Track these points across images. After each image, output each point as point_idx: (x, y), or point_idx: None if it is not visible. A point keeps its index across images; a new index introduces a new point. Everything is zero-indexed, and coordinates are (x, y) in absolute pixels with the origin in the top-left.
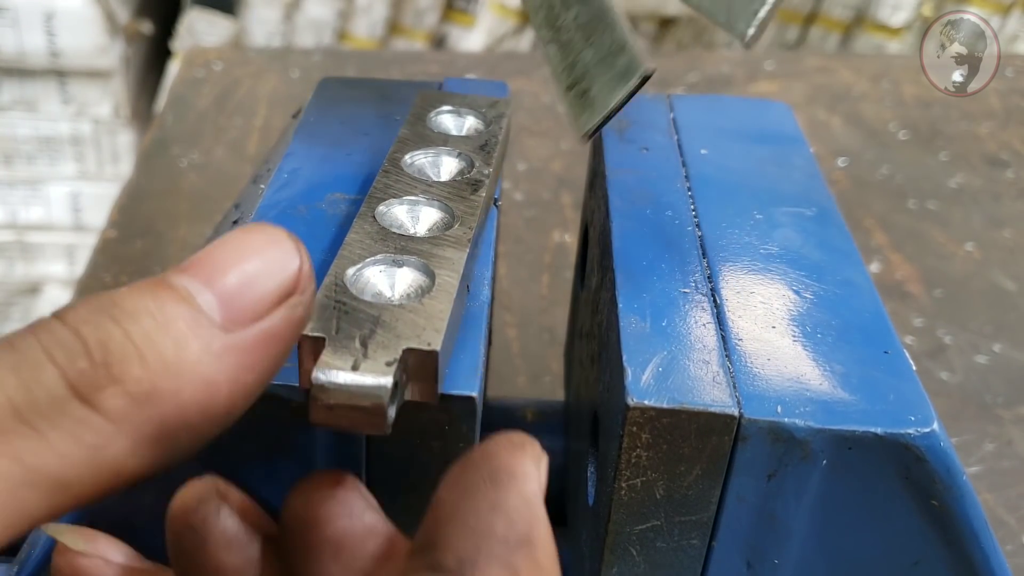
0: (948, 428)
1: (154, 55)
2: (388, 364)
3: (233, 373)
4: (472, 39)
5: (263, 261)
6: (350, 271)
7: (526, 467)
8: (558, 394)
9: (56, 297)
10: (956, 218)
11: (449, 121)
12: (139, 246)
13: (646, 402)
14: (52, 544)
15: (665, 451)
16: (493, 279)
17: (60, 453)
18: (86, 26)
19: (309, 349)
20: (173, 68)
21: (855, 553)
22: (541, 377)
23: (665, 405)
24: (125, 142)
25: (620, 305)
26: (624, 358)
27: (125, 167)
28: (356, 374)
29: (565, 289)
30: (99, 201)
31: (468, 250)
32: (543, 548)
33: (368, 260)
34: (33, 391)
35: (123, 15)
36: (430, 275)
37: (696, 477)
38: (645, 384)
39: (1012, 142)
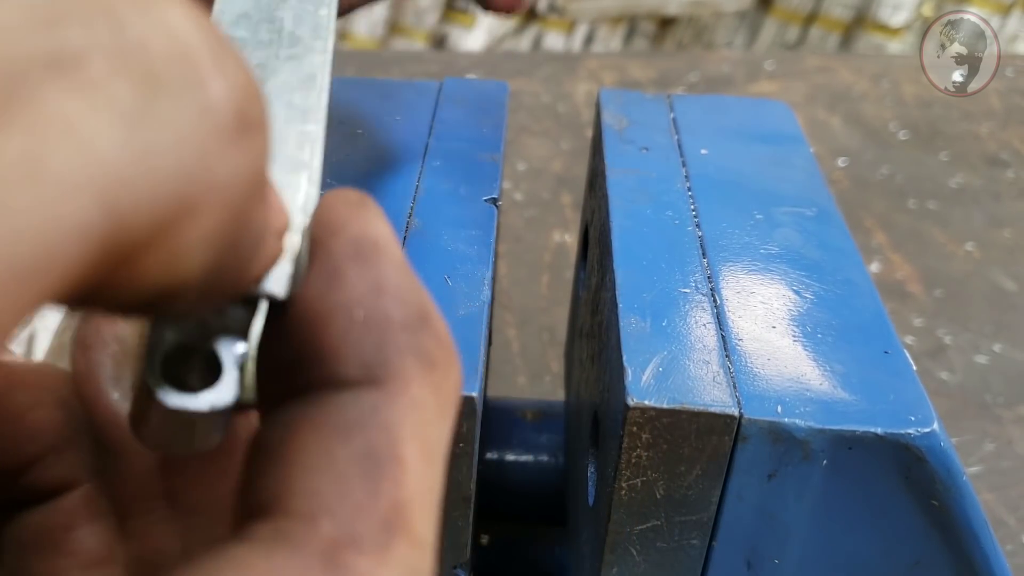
0: (948, 428)
1: None
2: None
3: None
4: (472, 39)
5: None
6: None
7: (381, 228)
8: (558, 394)
9: None
10: (956, 218)
11: None
12: None
13: (646, 402)
14: None
15: (665, 451)
16: (493, 279)
17: None
18: None
19: None
20: None
21: (855, 553)
22: (541, 377)
23: (665, 405)
24: None
25: (620, 305)
26: (624, 358)
27: None
28: None
29: (565, 289)
30: None
31: None
32: (438, 320)
33: None
34: None
35: None
36: None
37: (696, 477)
38: (645, 384)
39: (1012, 142)
